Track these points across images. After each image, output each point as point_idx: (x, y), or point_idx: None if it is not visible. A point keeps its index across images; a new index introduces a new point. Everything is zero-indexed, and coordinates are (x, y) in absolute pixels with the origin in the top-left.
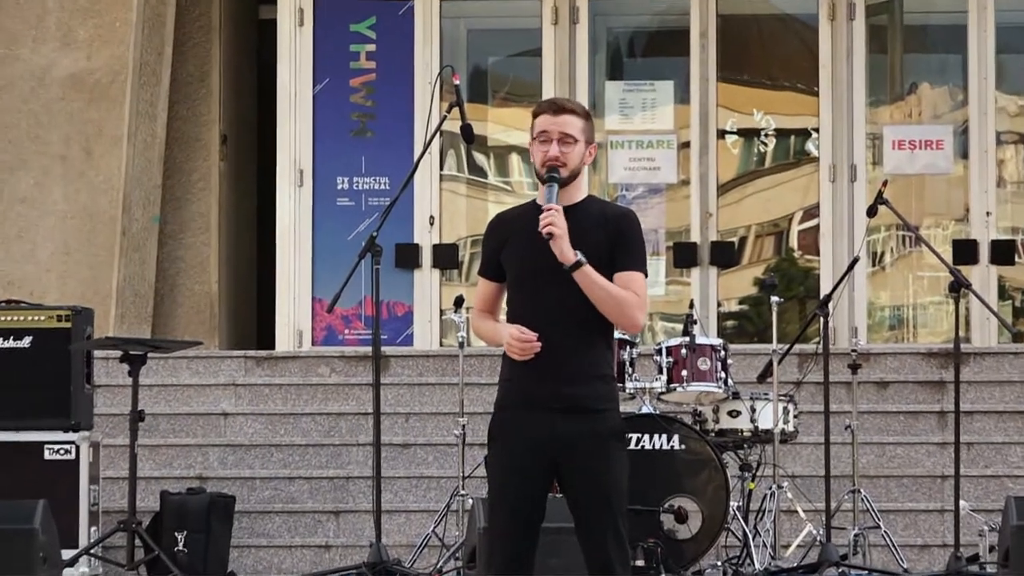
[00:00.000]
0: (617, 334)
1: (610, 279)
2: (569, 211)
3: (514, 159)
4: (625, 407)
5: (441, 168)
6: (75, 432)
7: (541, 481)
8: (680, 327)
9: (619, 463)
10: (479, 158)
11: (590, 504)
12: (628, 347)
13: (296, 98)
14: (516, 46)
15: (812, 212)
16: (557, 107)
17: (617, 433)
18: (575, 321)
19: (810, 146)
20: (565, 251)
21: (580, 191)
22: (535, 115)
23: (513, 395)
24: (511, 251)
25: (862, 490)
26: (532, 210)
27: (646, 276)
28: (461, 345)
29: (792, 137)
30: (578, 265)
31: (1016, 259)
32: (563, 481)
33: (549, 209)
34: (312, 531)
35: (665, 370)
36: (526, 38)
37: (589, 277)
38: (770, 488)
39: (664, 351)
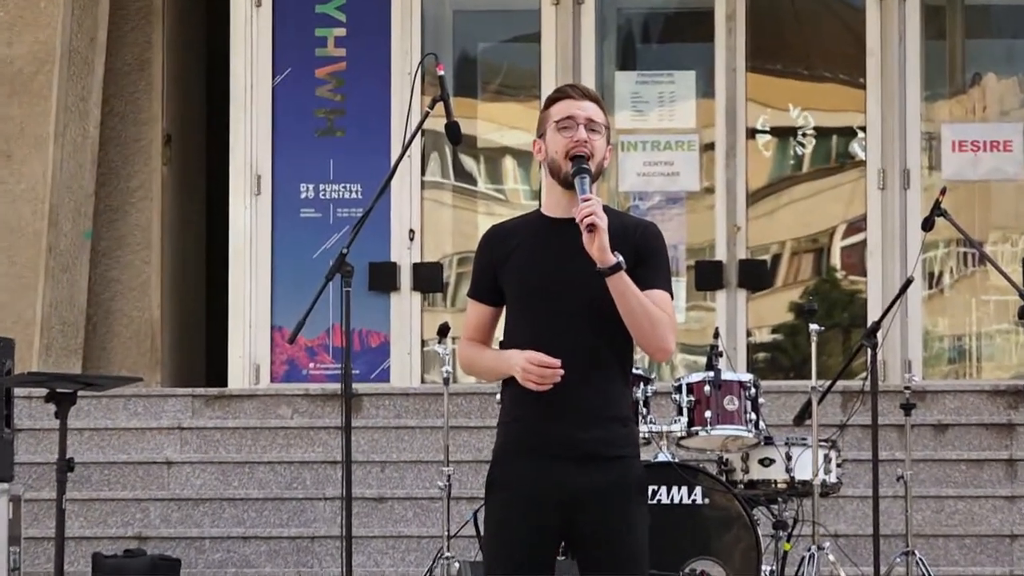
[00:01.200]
0: None
1: None
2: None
3: (508, 163)
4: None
5: (423, 174)
6: None
7: (548, 541)
8: (703, 360)
9: (642, 521)
10: (467, 162)
11: (608, 570)
12: (642, 383)
13: (253, 91)
14: (511, 30)
15: (858, 225)
16: (582, 92)
17: (639, 485)
18: (590, 352)
19: (855, 147)
20: (605, 249)
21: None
22: (551, 102)
23: (516, 440)
24: (513, 268)
25: (917, 552)
26: (538, 221)
27: (672, 297)
28: (446, 381)
29: (834, 137)
30: (619, 267)
31: None
32: (575, 542)
33: (587, 199)
34: None
35: (686, 411)
36: (522, 21)
37: (626, 285)
38: (809, 549)
39: (684, 388)
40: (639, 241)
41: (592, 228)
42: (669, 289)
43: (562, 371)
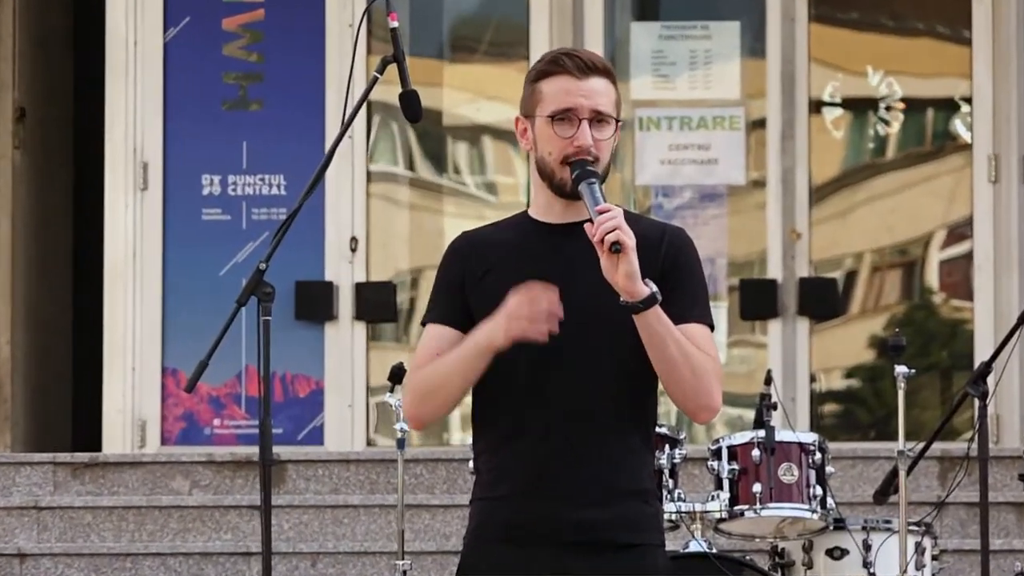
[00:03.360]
0: None
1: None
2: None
3: (487, 147)
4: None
5: (369, 162)
6: None
7: None
8: (750, 415)
9: None
10: (430, 146)
11: None
12: (667, 446)
13: (136, 51)
14: None
15: (961, 231)
16: (586, 64)
17: None
18: (601, 406)
19: (958, 126)
20: (635, 277)
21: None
22: (541, 75)
23: (498, 521)
24: (490, 291)
25: None
26: (525, 227)
27: (713, 330)
28: (401, 443)
29: (929, 111)
30: (653, 300)
31: None
32: None
33: (606, 211)
34: None
35: (727, 483)
36: None
37: (662, 323)
38: None
39: (725, 453)
40: (667, 255)
41: (619, 248)
42: (710, 321)
43: (555, 295)
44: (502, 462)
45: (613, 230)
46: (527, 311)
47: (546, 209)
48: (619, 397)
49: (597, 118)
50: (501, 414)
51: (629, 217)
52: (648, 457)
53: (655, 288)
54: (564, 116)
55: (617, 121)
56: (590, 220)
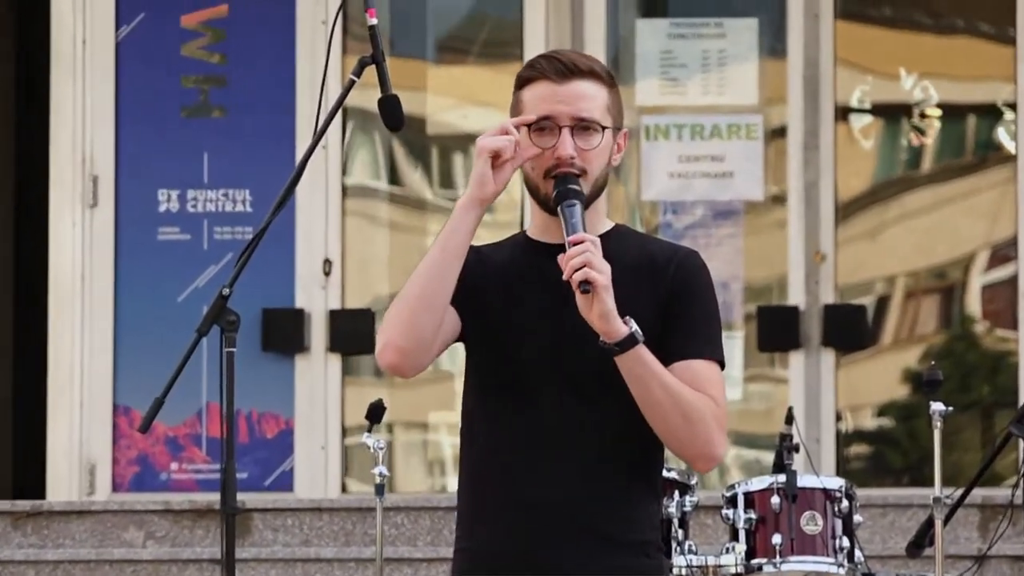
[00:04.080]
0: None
1: None
2: None
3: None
4: None
5: (344, 175)
6: None
7: None
8: (769, 458)
9: None
10: (413, 157)
11: None
12: (677, 493)
13: (85, 50)
14: None
15: (1006, 252)
16: (566, 66)
17: None
18: (600, 445)
19: (1001, 134)
20: (610, 317)
21: (601, 216)
22: (522, 83)
23: (482, 567)
24: (487, 312)
25: None
26: (524, 247)
27: (723, 367)
28: (381, 489)
29: (970, 118)
30: (632, 342)
31: None
32: None
33: (577, 240)
34: None
35: (743, 534)
36: None
37: (644, 365)
38: None
39: (741, 500)
40: (675, 279)
41: (587, 288)
42: (719, 357)
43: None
44: (488, 506)
45: (582, 267)
46: (501, 141)
47: (541, 228)
48: (621, 434)
49: (581, 125)
50: (484, 447)
51: (635, 237)
52: (653, 505)
53: (635, 327)
54: (544, 125)
55: (618, 128)
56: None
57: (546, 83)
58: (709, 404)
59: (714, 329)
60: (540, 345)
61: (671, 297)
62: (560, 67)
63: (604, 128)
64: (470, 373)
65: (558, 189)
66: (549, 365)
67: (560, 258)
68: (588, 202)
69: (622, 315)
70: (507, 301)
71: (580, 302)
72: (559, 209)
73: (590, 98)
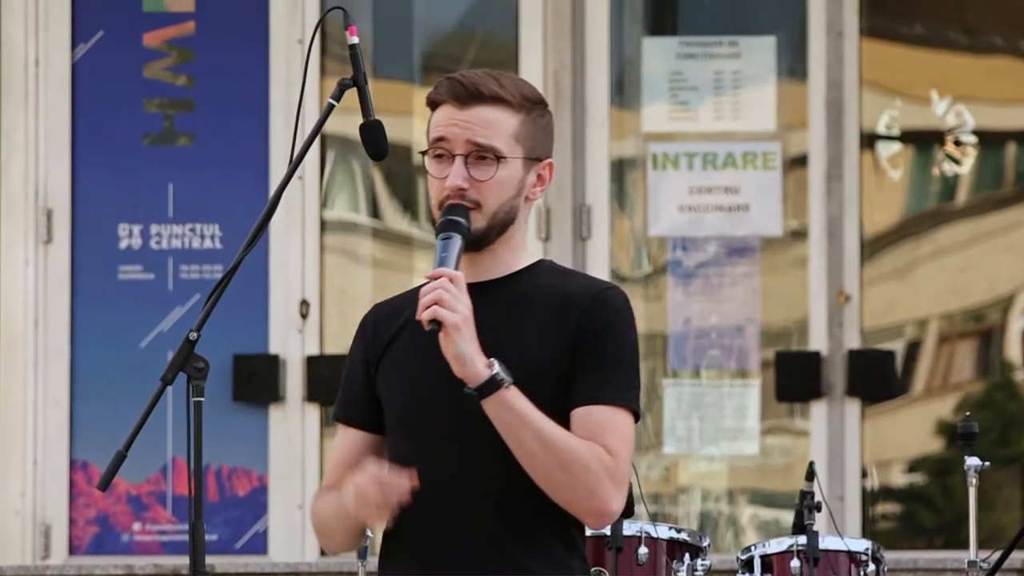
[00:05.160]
0: (646, 528)
1: (565, 418)
2: (496, 287)
3: None
4: None
5: (324, 207)
6: None
7: None
8: (788, 518)
9: None
10: (398, 188)
11: None
12: (687, 555)
13: (39, 70)
14: None
15: None
16: (467, 90)
17: None
18: (520, 495)
19: None
20: (464, 359)
21: (518, 252)
22: (430, 105)
23: None
24: (390, 365)
25: None
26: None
27: (637, 418)
28: (363, 553)
29: (1009, 146)
30: (493, 386)
31: None
32: None
33: (436, 276)
34: None
35: None
36: None
37: (513, 412)
38: None
39: (758, 564)
40: (585, 318)
41: (435, 327)
42: (628, 404)
43: (410, 485)
44: (395, 559)
45: (433, 304)
46: (373, 497)
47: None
48: (530, 489)
49: (477, 153)
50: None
51: (559, 272)
52: (576, 550)
53: (498, 370)
54: (440, 150)
55: (535, 159)
56: (496, 281)
57: (447, 107)
58: (597, 454)
59: (625, 374)
60: (453, 397)
61: (579, 338)
62: (461, 91)
63: (502, 158)
64: (390, 437)
65: (442, 220)
66: (461, 417)
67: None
68: (488, 238)
69: (527, 365)
70: (418, 350)
71: (441, 343)
72: (438, 239)
73: (492, 125)
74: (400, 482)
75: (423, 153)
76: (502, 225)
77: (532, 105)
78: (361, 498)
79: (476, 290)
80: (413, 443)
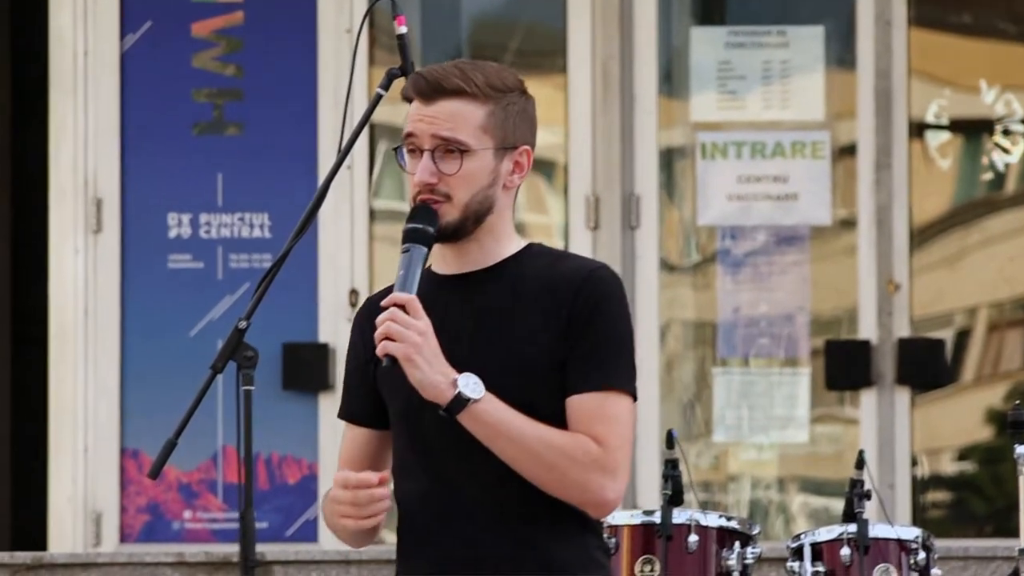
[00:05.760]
0: (695, 516)
1: (559, 407)
2: (485, 276)
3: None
4: None
5: (372, 196)
6: None
7: None
8: (838, 506)
9: None
10: None
11: None
12: (737, 543)
13: (87, 62)
14: None
15: None
16: (429, 84)
17: None
18: (518, 495)
19: None
20: (425, 385)
21: (503, 239)
22: (405, 100)
23: None
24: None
25: None
26: (426, 276)
27: (634, 399)
28: None
29: None
30: (460, 404)
31: None
32: None
33: (395, 302)
34: None
35: None
36: None
37: (487, 424)
38: None
39: (808, 552)
40: (576, 302)
41: (389, 363)
42: (623, 386)
43: (383, 491)
44: (407, 545)
45: (386, 336)
46: (349, 508)
47: (439, 258)
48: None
49: (444, 146)
50: (405, 482)
51: (548, 254)
52: (594, 539)
53: (462, 387)
54: (412, 146)
55: (510, 148)
56: (485, 270)
57: (416, 103)
58: (584, 447)
59: (618, 357)
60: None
61: (571, 323)
62: (424, 86)
63: (467, 151)
64: (393, 431)
65: (406, 228)
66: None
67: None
68: (465, 229)
69: (517, 353)
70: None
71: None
72: (402, 253)
73: (456, 118)
74: (371, 485)
75: (395, 150)
76: (477, 216)
77: (500, 94)
78: (336, 511)
79: (465, 280)
80: (415, 440)
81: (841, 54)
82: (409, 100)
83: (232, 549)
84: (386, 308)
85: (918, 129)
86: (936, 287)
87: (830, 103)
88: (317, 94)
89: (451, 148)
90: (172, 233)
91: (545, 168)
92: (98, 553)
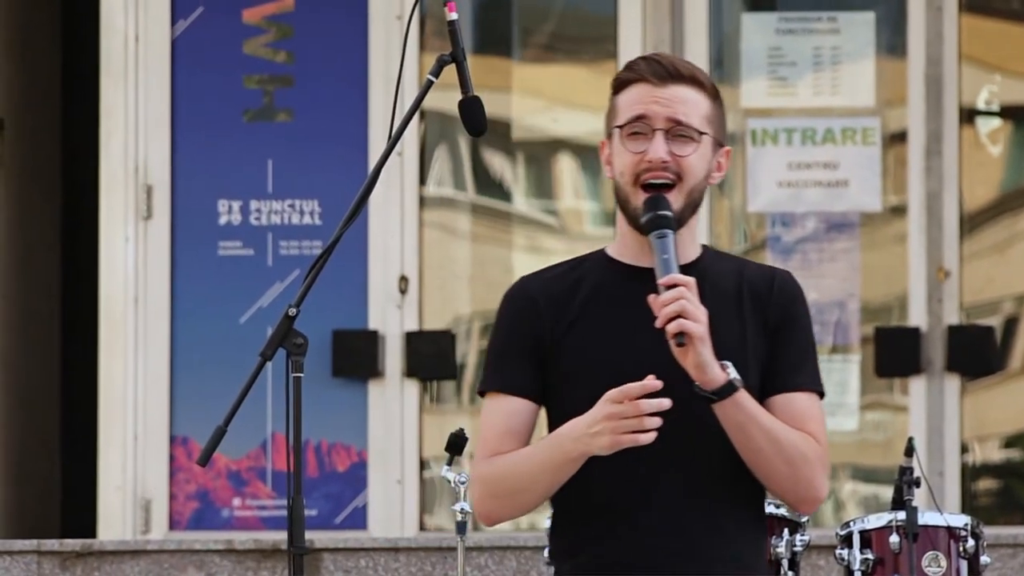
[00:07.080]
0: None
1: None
2: (683, 272)
3: (566, 166)
4: None
5: (422, 184)
6: None
7: None
8: (887, 493)
9: None
10: (497, 164)
11: None
12: (786, 531)
13: (138, 48)
14: None
15: None
16: (666, 69)
17: None
18: (705, 479)
19: None
20: (706, 367)
21: (695, 238)
22: (618, 87)
23: None
24: (588, 342)
25: None
26: (607, 270)
27: (823, 396)
28: (462, 527)
29: None
30: (730, 389)
31: None
32: None
33: (671, 283)
34: None
35: None
36: None
37: (746, 412)
38: None
39: (857, 540)
40: (777, 306)
41: (682, 341)
42: (819, 387)
43: (665, 402)
44: (593, 536)
45: (677, 315)
46: (623, 418)
47: (624, 247)
48: (727, 468)
49: (677, 130)
50: (592, 484)
51: (727, 261)
52: (763, 539)
53: (733, 374)
54: (637, 127)
55: (719, 144)
56: (684, 267)
57: (644, 85)
58: (812, 445)
59: (813, 358)
60: (657, 376)
61: (775, 326)
62: (660, 69)
63: (702, 135)
64: (569, 404)
65: (647, 215)
66: (660, 397)
67: (651, 300)
68: (682, 220)
69: (722, 352)
70: (608, 325)
71: (675, 351)
72: (651, 240)
73: (690, 103)
74: (656, 389)
75: (618, 127)
76: (694, 206)
77: (715, 91)
78: (609, 428)
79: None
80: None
81: (892, 40)
82: (624, 85)
83: (281, 536)
84: (668, 287)
85: (968, 115)
86: (986, 274)
87: (880, 89)
88: (368, 81)
89: (682, 133)
90: (222, 220)
91: (595, 155)
92: (147, 540)
